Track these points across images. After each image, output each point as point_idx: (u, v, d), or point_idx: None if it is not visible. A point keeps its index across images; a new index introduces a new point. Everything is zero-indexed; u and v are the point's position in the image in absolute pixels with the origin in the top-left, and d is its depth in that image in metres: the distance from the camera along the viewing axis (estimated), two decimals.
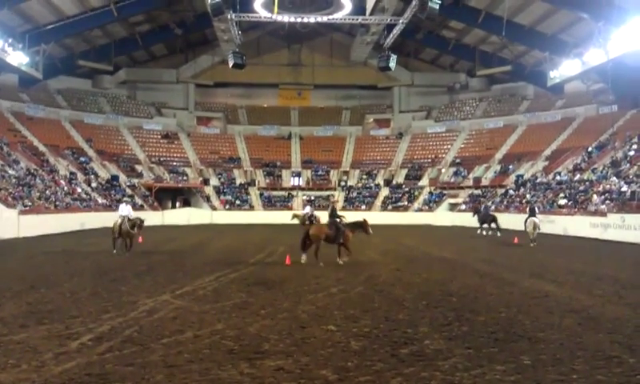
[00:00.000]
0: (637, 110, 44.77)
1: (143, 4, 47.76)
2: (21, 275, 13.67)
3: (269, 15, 41.20)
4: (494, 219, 31.00)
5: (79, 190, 41.84)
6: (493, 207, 38.92)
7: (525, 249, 21.44)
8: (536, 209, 26.15)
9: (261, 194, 52.69)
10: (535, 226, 23.29)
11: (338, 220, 16.31)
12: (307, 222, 32.58)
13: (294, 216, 35.16)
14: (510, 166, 49.32)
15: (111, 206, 42.37)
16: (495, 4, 43.61)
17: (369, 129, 62.43)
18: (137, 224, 19.20)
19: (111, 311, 9.20)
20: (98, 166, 49.27)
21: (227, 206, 50.50)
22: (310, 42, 59.86)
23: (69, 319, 8.56)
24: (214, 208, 49.73)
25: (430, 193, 50.63)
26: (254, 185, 54.05)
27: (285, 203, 51.36)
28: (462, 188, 50.39)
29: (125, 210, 19.61)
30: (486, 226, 31.50)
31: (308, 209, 34.98)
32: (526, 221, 24.28)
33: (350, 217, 17.86)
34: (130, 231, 19.05)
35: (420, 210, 48.79)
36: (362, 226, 16.38)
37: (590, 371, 6.08)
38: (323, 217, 36.00)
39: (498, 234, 29.45)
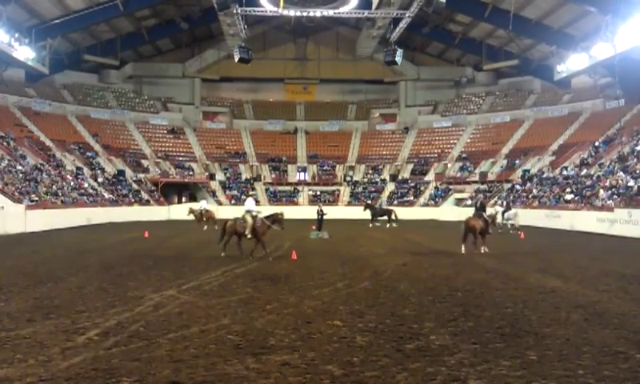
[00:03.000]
0: None
1: None
2: (27, 270, 13.65)
3: (275, 9, 41.17)
4: (391, 213, 34.15)
5: (86, 185, 42.00)
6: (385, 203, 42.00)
7: (531, 244, 21.33)
8: (510, 203, 33.38)
9: (266, 189, 52.65)
10: (517, 215, 29.21)
11: (483, 213, 18.33)
12: (199, 216, 31.99)
13: (190, 211, 33.82)
14: (517, 161, 49.25)
15: (117, 201, 42.59)
16: None
17: (375, 123, 62.41)
18: (277, 219, 16.43)
19: (117, 306, 9.19)
20: (105, 160, 49.43)
21: (233, 201, 50.43)
22: (316, 36, 59.73)
23: (75, 314, 8.54)
24: (219, 203, 49.66)
25: (436, 188, 50.54)
26: (260, 180, 54.09)
27: (291, 198, 51.36)
28: (468, 183, 50.32)
29: (251, 204, 16.84)
30: (385, 217, 34.50)
31: (203, 203, 34.15)
32: (504, 213, 29.77)
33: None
34: (263, 231, 16.20)
35: (426, 205, 48.72)
36: (494, 218, 18.59)
37: (596, 367, 6.04)
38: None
39: (394, 225, 32.98)
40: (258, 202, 18.24)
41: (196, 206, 35.21)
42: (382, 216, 34.82)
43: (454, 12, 48.91)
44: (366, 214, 35.90)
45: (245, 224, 16.09)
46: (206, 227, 30.51)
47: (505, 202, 34.25)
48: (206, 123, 61.28)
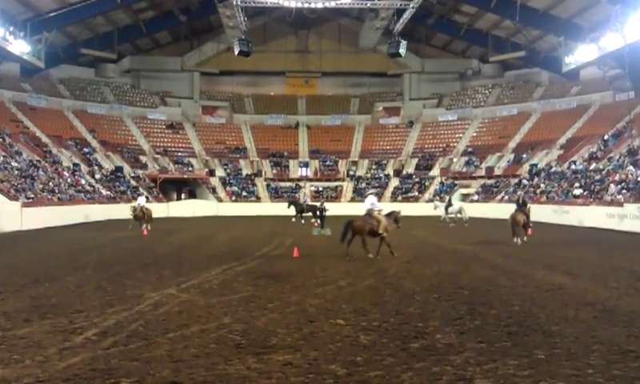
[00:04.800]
0: None
1: None
2: (24, 269, 13.63)
3: (275, 0, 40.56)
4: (315, 209, 33.52)
5: (83, 181, 41.48)
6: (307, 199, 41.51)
7: (539, 240, 20.91)
8: (452, 199, 37.08)
9: (267, 185, 52.13)
10: (463, 209, 32.33)
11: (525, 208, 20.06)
12: (140, 214, 28.15)
13: (133, 209, 29.32)
14: (524, 155, 48.67)
15: (115, 198, 41.91)
16: None
17: (378, 117, 61.70)
18: (397, 218, 16.23)
19: (116, 305, 9.16)
20: (102, 156, 48.82)
21: (233, 198, 49.97)
22: (318, 28, 58.90)
23: (73, 313, 8.53)
24: (219, 199, 49.31)
25: (442, 183, 49.97)
26: (261, 175, 53.49)
27: (292, 194, 50.66)
28: (474, 178, 49.78)
29: (375, 202, 16.37)
30: (310, 214, 34.16)
31: (142, 200, 29.58)
32: (446, 208, 32.65)
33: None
34: (390, 229, 15.72)
35: (431, 200, 47.90)
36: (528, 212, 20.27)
37: (605, 366, 5.96)
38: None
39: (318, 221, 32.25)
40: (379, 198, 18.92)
41: (135, 203, 30.80)
42: (307, 212, 34.36)
43: (459, 2, 48.52)
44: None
45: (377, 223, 15.39)
46: (144, 226, 27.48)
47: (448, 198, 36.79)
48: (205, 118, 60.56)
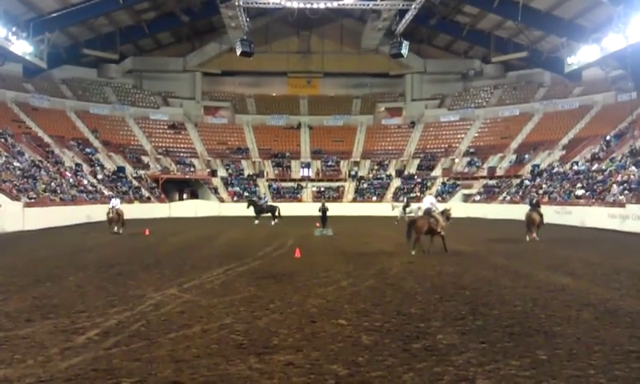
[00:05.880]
0: None
1: None
2: (26, 269, 13.61)
3: (277, 1, 40.51)
4: (275, 210, 34.04)
5: (85, 181, 41.44)
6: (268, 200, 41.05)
7: (541, 241, 20.82)
8: (410, 200, 36.90)
9: (269, 186, 51.98)
10: (420, 210, 34.19)
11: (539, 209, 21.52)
12: (116, 217, 26.62)
13: (110, 212, 27.06)
14: (526, 156, 48.45)
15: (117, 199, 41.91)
16: None
17: (380, 118, 61.41)
18: (448, 216, 17.06)
19: (118, 305, 9.16)
20: (104, 157, 48.71)
21: (235, 198, 49.79)
22: (320, 29, 58.81)
23: (75, 314, 8.55)
24: (221, 200, 49.12)
25: (444, 183, 49.76)
26: (263, 176, 53.40)
27: (294, 195, 50.57)
28: (476, 178, 49.50)
29: (434, 202, 17.17)
30: (269, 214, 34.04)
31: (116, 202, 27.54)
32: (405, 208, 32.53)
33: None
34: (440, 228, 16.34)
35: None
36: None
37: (607, 366, 5.98)
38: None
39: (274, 222, 32.76)
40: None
41: (109, 205, 28.54)
42: (266, 213, 34.28)
43: (461, 3, 48.20)
44: (373, 211, 35.20)
45: (436, 222, 16.40)
46: (118, 229, 26.32)
47: (405, 199, 37.50)
48: (207, 118, 60.38)
